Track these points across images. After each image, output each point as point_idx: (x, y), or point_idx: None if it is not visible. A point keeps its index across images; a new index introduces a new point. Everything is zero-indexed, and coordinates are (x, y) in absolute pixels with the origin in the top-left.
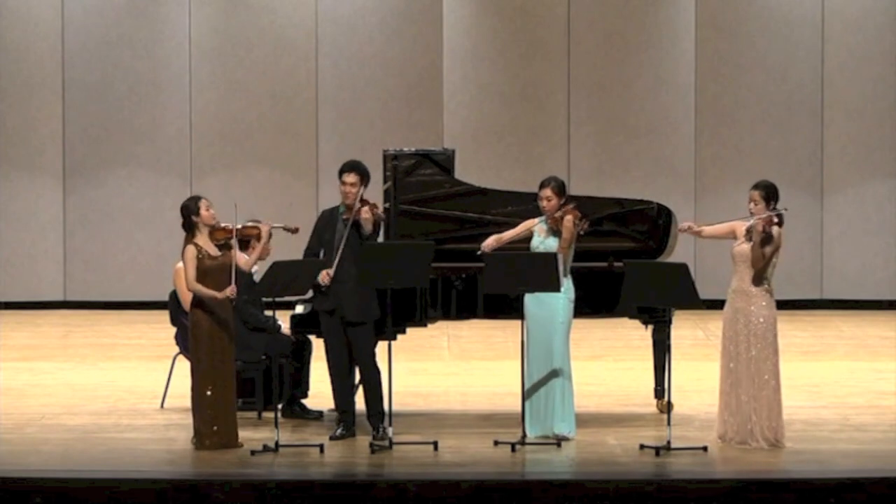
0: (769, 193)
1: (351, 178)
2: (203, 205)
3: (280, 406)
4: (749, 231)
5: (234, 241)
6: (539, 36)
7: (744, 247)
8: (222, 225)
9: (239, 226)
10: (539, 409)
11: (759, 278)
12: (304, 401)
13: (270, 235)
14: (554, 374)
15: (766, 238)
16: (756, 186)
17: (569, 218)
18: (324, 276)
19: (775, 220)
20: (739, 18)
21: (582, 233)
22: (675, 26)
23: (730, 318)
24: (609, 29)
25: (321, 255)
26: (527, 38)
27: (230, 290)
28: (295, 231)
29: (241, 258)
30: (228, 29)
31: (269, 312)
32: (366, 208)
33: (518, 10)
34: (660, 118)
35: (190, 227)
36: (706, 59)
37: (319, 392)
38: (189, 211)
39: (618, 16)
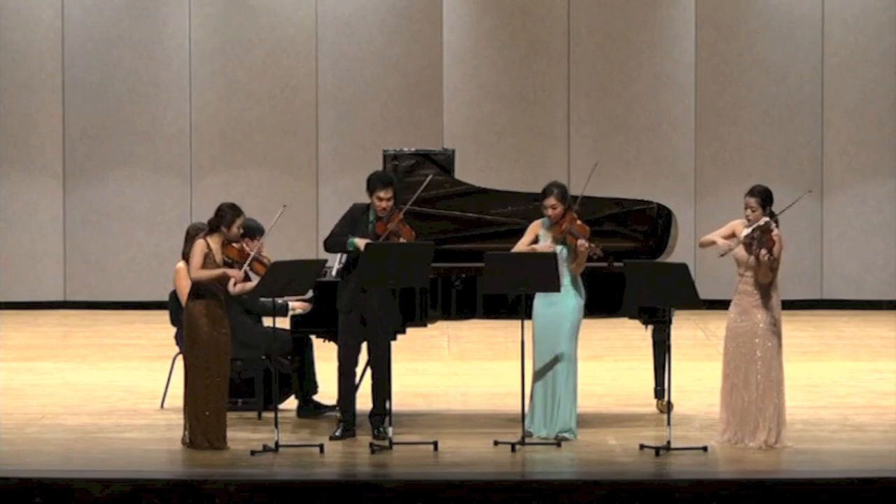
0: (765, 199)
1: (388, 193)
2: (238, 222)
3: (286, 406)
4: (749, 247)
5: (243, 268)
6: (539, 36)
7: (744, 252)
8: (240, 245)
9: (255, 256)
10: (545, 409)
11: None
12: (315, 397)
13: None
14: (560, 375)
15: (771, 254)
16: (752, 193)
17: (582, 242)
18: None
19: (773, 227)
20: (739, 18)
21: (595, 257)
22: (675, 26)
23: (734, 320)
24: (609, 29)
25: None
26: (527, 38)
27: (236, 274)
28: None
29: (231, 283)
30: (228, 29)
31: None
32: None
33: (518, 10)
34: (660, 118)
35: (213, 228)
36: (706, 59)
37: (321, 392)
38: (223, 218)
39: (618, 16)
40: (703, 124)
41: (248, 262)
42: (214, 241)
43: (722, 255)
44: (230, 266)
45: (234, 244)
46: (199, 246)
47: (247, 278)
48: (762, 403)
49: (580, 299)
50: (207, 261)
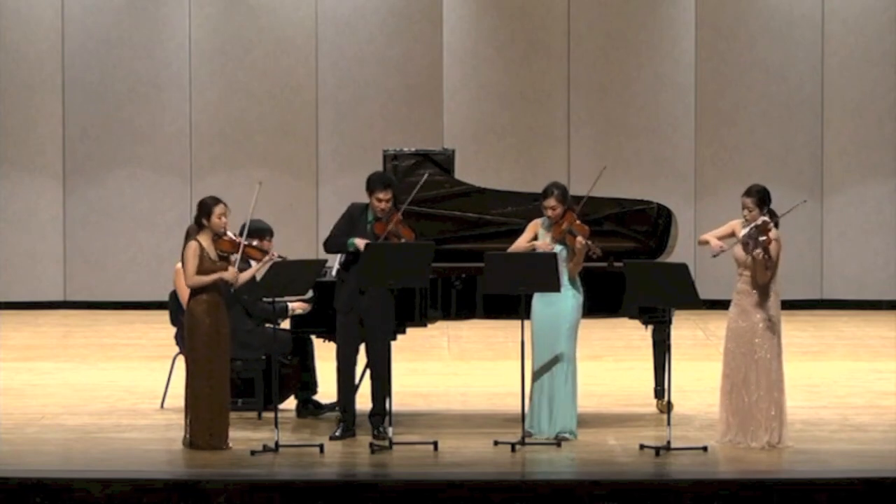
0: (762, 199)
1: (388, 195)
2: (218, 211)
3: (286, 406)
4: (746, 247)
5: (235, 258)
6: (539, 36)
7: (742, 252)
8: (230, 236)
9: (246, 242)
10: (545, 409)
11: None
12: (315, 397)
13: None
14: (560, 374)
15: (767, 254)
16: (748, 193)
17: (580, 240)
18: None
19: (769, 226)
20: (739, 18)
21: (594, 256)
22: (675, 26)
23: (734, 319)
24: (609, 29)
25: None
26: (527, 38)
27: (232, 273)
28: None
29: (232, 272)
30: (228, 29)
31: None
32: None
33: (518, 10)
34: (660, 118)
35: (199, 224)
36: (706, 59)
37: (321, 392)
38: (204, 210)
39: (618, 16)
40: (703, 124)
41: (240, 250)
42: (206, 239)
43: (714, 256)
44: (226, 258)
45: (224, 237)
46: (192, 249)
47: (247, 266)
48: (764, 403)
49: (578, 299)
50: (204, 259)
